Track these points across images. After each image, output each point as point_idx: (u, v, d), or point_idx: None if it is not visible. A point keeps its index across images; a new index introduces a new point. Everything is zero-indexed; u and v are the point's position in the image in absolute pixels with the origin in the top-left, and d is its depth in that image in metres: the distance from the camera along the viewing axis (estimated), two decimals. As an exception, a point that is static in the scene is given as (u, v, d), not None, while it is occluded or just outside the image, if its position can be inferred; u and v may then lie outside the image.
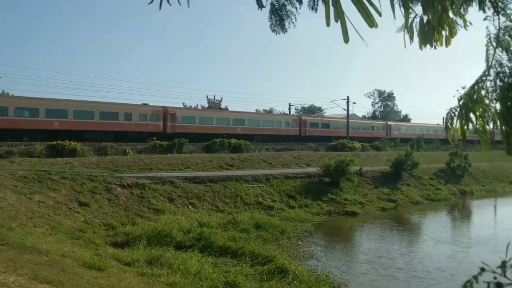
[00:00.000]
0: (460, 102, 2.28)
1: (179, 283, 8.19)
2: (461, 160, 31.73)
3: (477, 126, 2.26)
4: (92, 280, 6.85)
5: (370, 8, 1.93)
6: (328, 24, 1.95)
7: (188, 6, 2.65)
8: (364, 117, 77.64)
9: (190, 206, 17.17)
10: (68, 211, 13.62)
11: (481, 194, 29.72)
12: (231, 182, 20.05)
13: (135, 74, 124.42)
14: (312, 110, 77.72)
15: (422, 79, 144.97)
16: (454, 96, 2.33)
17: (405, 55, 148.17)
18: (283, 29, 3.02)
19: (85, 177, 16.62)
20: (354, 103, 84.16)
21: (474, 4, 2.83)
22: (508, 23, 2.72)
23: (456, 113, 2.29)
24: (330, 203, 20.76)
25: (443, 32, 2.74)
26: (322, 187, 22.51)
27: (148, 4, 2.60)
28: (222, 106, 45.22)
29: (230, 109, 45.05)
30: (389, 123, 58.64)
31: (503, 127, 2.23)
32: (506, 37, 2.72)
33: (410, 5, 2.65)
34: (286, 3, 2.94)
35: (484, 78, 2.43)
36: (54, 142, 23.82)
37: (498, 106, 2.32)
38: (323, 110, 72.56)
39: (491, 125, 2.37)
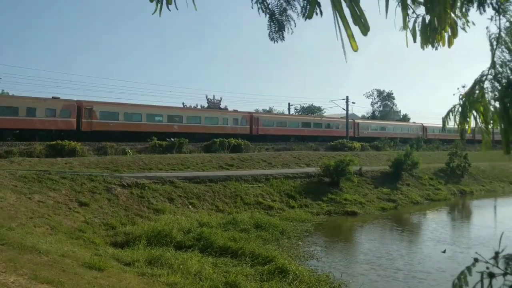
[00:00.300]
0: (461, 101, 2.28)
1: (179, 283, 8.17)
2: (461, 160, 31.75)
3: (479, 125, 2.26)
4: (92, 280, 6.83)
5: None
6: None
7: (195, 9, 2.64)
8: (363, 117, 77.51)
9: (190, 206, 17.16)
10: (68, 211, 13.60)
11: (481, 194, 29.72)
12: (231, 182, 20.04)
13: (135, 74, 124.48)
14: (312, 109, 77.63)
15: (422, 79, 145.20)
16: (454, 95, 2.33)
17: (405, 55, 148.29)
18: (281, 37, 3.00)
19: (85, 177, 16.61)
20: (353, 103, 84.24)
21: (475, 5, 2.82)
22: (508, 24, 2.72)
23: (457, 111, 2.29)
24: (330, 203, 20.76)
25: (445, 33, 2.74)
26: (322, 187, 22.51)
27: (153, 13, 2.61)
28: (222, 106, 45.12)
29: (229, 108, 44.83)
30: (357, 121, 54.54)
31: (502, 126, 2.23)
32: (507, 37, 2.72)
33: (411, 5, 2.65)
34: (287, 8, 2.93)
35: (484, 77, 2.43)
36: (54, 142, 23.86)
37: (497, 105, 2.32)
38: (322, 110, 72.61)
39: (490, 124, 2.37)
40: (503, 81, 2.33)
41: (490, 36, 2.48)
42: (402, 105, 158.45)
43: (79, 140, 26.02)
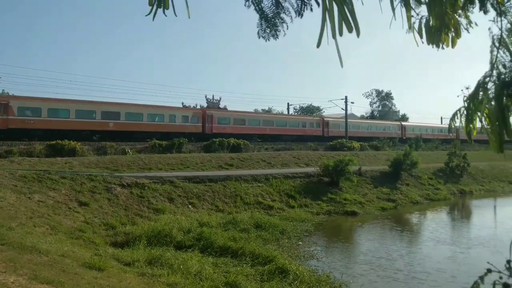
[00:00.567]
0: (465, 103, 2.28)
1: (180, 283, 8.16)
2: (460, 160, 31.77)
3: (485, 126, 2.26)
4: (92, 280, 6.82)
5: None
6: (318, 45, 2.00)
7: (189, 17, 2.62)
8: (362, 117, 77.48)
9: (190, 206, 17.15)
10: (68, 211, 13.58)
11: (481, 194, 29.73)
12: (230, 181, 20.03)
13: (135, 74, 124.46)
14: (311, 109, 77.67)
15: (422, 79, 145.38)
16: (458, 97, 2.33)
17: (404, 55, 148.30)
18: (275, 35, 2.99)
19: (84, 176, 16.59)
20: (352, 102, 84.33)
21: (477, 6, 2.83)
22: (509, 25, 2.72)
23: (463, 113, 2.29)
24: (329, 203, 20.76)
25: (449, 33, 2.74)
26: (322, 186, 22.51)
27: (146, 15, 2.58)
28: (221, 105, 45.11)
29: (229, 108, 44.75)
30: (326, 119, 50.90)
31: (496, 126, 2.24)
32: (508, 39, 2.72)
33: (413, 7, 2.65)
34: (280, 11, 2.92)
35: (487, 79, 2.43)
36: (54, 142, 23.85)
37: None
38: (321, 110, 72.63)
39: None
40: (498, 81, 2.34)
41: (493, 38, 2.48)
42: (401, 105, 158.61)
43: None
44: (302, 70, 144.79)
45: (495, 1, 2.64)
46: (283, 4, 2.83)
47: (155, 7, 2.63)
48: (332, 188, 22.43)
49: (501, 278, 1.83)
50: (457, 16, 2.69)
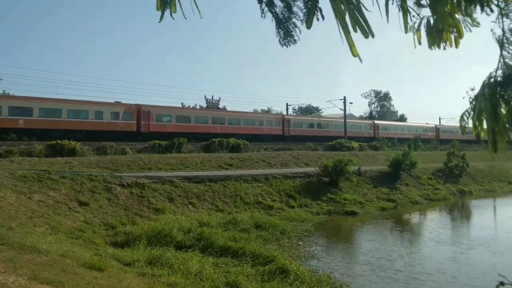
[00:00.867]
0: (472, 104, 2.28)
1: (180, 283, 8.14)
2: (459, 160, 31.82)
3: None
4: (92, 280, 6.80)
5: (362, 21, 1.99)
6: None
7: (201, 17, 2.65)
8: (361, 117, 77.45)
9: (190, 206, 17.14)
10: (68, 211, 13.57)
11: (480, 194, 29.76)
12: (230, 181, 20.02)
13: (135, 74, 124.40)
14: (310, 110, 77.67)
15: (422, 79, 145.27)
16: (463, 98, 2.32)
17: (404, 55, 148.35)
18: (293, 41, 3.01)
19: (84, 176, 16.58)
20: (351, 103, 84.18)
21: (478, 6, 2.83)
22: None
23: (470, 114, 2.29)
24: (329, 203, 20.76)
25: (451, 34, 2.74)
26: (322, 186, 22.51)
27: (159, 22, 2.63)
28: (220, 106, 45.05)
29: (228, 109, 44.72)
30: (287, 117, 47.29)
31: (490, 125, 2.25)
32: None
33: (413, 8, 2.65)
34: (291, 16, 2.94)
35: (492, 79, 2.43)
36: (54, 142, 23.86)
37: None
38: (320, 110, 72.63)
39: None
40: (491, 80, 2.34)
41: (499, 38, 2.48)
42: (400, 106, 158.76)
43: None
44: (301, 71, 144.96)
45: (499, 1, 2.64)
46: (293, 9, 2.86)
47: (164, 12, 2.65)
48: (331, 188, 22.43)
49: None
50: (458, 16, 2.69)
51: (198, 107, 46.47)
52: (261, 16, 2.87)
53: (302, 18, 2.78)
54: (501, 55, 2.58)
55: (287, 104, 70.08)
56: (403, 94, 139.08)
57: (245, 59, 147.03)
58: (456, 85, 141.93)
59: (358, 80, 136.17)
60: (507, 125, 2.18)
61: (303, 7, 2.75)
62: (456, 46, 2.67)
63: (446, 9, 2.51)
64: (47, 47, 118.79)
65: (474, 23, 2.74)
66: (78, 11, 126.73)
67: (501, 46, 2.62)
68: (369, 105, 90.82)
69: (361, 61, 2.08)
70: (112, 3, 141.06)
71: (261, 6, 2.83)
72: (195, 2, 2.56)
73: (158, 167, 21.59)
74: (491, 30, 2.68)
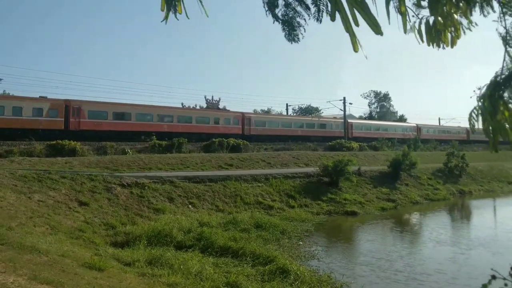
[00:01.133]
0: (479, 103, 2.29)
1: (180, 283, 8.13)
2: (459, 160, 31.83)
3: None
4: (92, 280, 6.80)
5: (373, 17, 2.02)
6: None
7: (207, 16, 2.67)
8: (360, 117, 77.40)
9: (190, 206, 17.14)
10: (68, 211, 13.57)
11: (480, 194, 29.76)
12: (230, 181, 20.03)
13: (135, 74, 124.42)
14: (310, 110, 77.67)
15: (422, 79, 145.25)
16: (471, 98, 2.33)
17: (403, 55, 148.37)
18: (297, 38, 3.04)
19: (85, 176, 16.58)
20: (350, 103, 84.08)
21: (477, 7, 2.83)
22: None
23: (478, 113, 2.30)
24: (329, 203, 20.77)
25: (449, 34, 2.75)
26: (322, 186, 22.52)
27: (162, 21, 2.64)
28: (221, 106, 45.04)
29: (228, 109, 44.66)
30: (247, 115, 43.15)
31: (490, 125, 2.26)
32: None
33: (412, 8, 2.65)
34: (295, 15, 2.97)
35: (498, 78, 2.43)
36: (54, 142, 23.87)
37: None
38: (320, 111, 72.64)
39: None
40: (491, 80, 2.35)
41: (504, 35, 2.49)
42: (400, 106, 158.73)
43: None
44: (302, 71, 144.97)
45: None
46: (296, 9, 2.89)
47: (169, 13, 2.65)
48: (332, 188, 22.43)
49: (506, 285, 1.80)
50: (457, 17, 2.70)
51: (198, 107, 46.31)
52: (266, 15, 2.89)
53: (313, 13, 2.81)
54: (506, 53, 2.58)
55: (287, 104, 70.18)
56: (403, 94, 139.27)
57: (246, 59, 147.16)
58: (456, 85, 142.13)
59: (358, 81, 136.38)
60: (507, 125, 2.18)
61: (311, 5, 2.77)
62: (455, 45, 2.68)
63: (445, 10, 2.52)
64: (47, 47, 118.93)
65: (472, 24, 2.75)
66: (78, 11, 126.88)
67: (506, 44, 2.63)
68: (369, 106, 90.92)
69: (366, 56, 2.10)
70: (112, 3, 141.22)
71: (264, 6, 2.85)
72: (201, 2, 2.57)
73: (158, 167, 21.60)
74: (496, 29, 2.69)
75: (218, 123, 39.71)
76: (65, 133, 29.29)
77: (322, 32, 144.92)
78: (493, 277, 1.84)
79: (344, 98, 52.50)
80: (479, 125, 2.28)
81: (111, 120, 33.03)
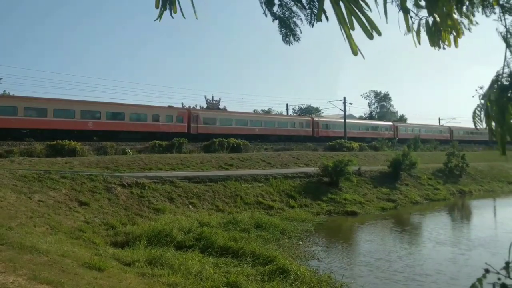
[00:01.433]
0: (481, 102, 2.29)
1: (180, 283, 8.13)
2: (459, 160, 31.83)
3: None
4: (92, 280, 6.80)
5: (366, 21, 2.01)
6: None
7: (196, 18, 2.65)
8: (360, 117, 77.40)
9: (190, 206, 17.14)
10: (68, 211, 13.57)
11: (480, 194, 29.75)
12: (230, 181, 20.03)
13: (135, 75, 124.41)
14: (310, 110, 77.69)
15: (422, 79, 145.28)
16: (473, 97, 2.33)
17: (403, 55, 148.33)
18: (295, 38, 3.03)
19: (85, 176, 16.58)
20: (350, 104, 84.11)
21: (478, 6, 2.82)
22: None
23: (482, 111, 2.30)
24: (330, 203, 20.76)
25: (450, 34, 2.75)
26: (322, 186, 22.51)
27: (155, 20, 2.62)
28: (221, 106, 45.01)
29: (229, 109, 44.60)
30: (195, 112, 38.82)
31: (498, 129, 2.25)
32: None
33: (412, 9, 2.65)
34: (291, 15, 2.96)
35: (500, 77, 2.43)
36: (54, 142, 23.87)
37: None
38: (320, 111, 72.68)
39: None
40: (498, 83, 2.34)
41: (506, 36, 2.49)
42: (400, 106, 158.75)
43: None
44: (302, 71, 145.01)
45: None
46: (293, 9, 2.88)
47: (162, 9, 2.64)
48: (332, 188, 22.43)
49: (499, 279, 1.82)
50: (457, 17, 2.70)
51: (198, 107, 46.15)
52: (264, 15, 2.88)
53: (305, 16, 2.80)
54: (507, 52, 2.58)
55: (287, 104, 70.20)
56: (403, 94, 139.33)
57: (246, 59, 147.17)
58: (456, 85, 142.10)
59: (359, 81, 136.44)
60: None
61: (306, 6, 2.76)
62: (456, 46, 2.67)
63: (444, 10, 2.51)
64: (47, 47, 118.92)
65: (473, 23, 2.74)
66: (78, 11, 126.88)
67: (506, 43, 2.62)
68: (369, 106, 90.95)
69: (363, 56, 2.09)
70: (112, 3, 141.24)
71: (262, 6, 2.84)
72: (192, 3, 2.56)
73: (159, 167, 21.60)
74: (496, 28, 2.68)
75: (158, 121, 35.42)
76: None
77: (322, 32, 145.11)
78: (487, 271, 1.87)
79: (344, 98, 52.56)
80: (482, 124, 2.28)
81: (22, 117, 28.71)
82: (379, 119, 75.72)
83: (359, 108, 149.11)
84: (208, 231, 12.80)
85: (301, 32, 2.91)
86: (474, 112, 2.32)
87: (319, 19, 2.25)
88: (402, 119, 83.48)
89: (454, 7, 2.58)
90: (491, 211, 25.41)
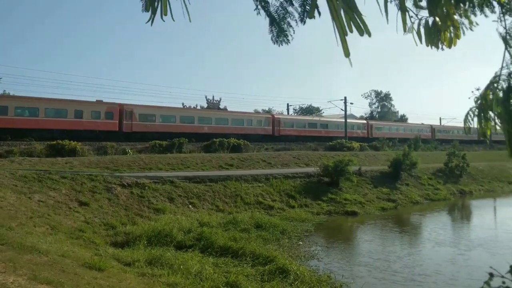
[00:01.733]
0: (477, 103, 2.29)
1: (180, 283, 8.14)
2: (459, 160, 31.84)
3: (498, 125, 2.26)
4: (92, 280, 6.80)
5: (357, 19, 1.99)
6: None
7: (190, 21, 2.66)
8: (361, 117, 77.34)
9: (190, 206, 17.14)
10: (68, 211, 13.58)
11: (480, 194, 29.74)
12: (231, 181, 20.03)
13: (135, 75, 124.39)
14: (311, 110, 77.66)
15: (422, 79, 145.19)
16: (469, 98, 2.33)
17: (403, 55, 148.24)
18: (286, 40, 3.03)
19: (85, 176, 16.59)
20: (351, 103, 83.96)
21: (477, 8, 2.83)
22: None
23: (475, 113, 2.30)
24: (330, 203, 20.76)
25: (449, 34, 2.75)
26: (322, 186, 22.51)
27: (146, 22, 2.63)
28: (221, 106, 44.99)
29: (229, 109, 44.55)
30: (128, 108, 34.50)
31: (506, 130, 2.24)
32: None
33: (411, 9, 2.66)
34: (286, 15, 2.96)
35: (497, 78, 2.43)
36: (54, 142, 23.89)
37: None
38: (321, 110, 72.63)
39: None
40: (504, 85, 2.34)
41: (505, 37, 2.49)
42: (401, 106, 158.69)
43: None
44: (303, 71, 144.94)
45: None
46: (288, 9, 2.87)
47: (152, 15, 2.65)
48: (332, 188, 22.43)
49: (503, 283, 1.81)
50: (456, 17, 2.70)
51: (199, 107, 46.10)
52: (256, 13, 2.88)
53: (297, 17, 2.79)
54: (505, 53, 2.58)
55: (287, 104, 70.20)
56: (403, 94, 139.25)
57: (246, 59, 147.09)
58: (456, 85, 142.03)
59: (359, 81, 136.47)
60: None
61: (298, 7, 2.76)
62: (450, 46, 2.69)
63: (444, 10, 2.52)
64: (47, 47, 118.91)
65: (473, 24, 2.75)
66: (78, 11, 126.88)
67: (506, 43, 2.63)
68: (369, 106, 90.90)
69: (351, 65, 2.08)
70: (112, 3, 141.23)
71: (255, 3, 2.84)
72: (185, 5, 2.56)
73: (159, 167, 21.60)
74: (496, 29, 2.69)
75: (81, 117, 31.48)
76: None
77: (322, 32, 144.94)
78: (491, 275, 1.86)
79: (345, 98, 52.55)
80: (474, 126, 2.28)
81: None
82: (380, 119, 75.65)
83: (360, 108, 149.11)
84: (208, 231, 12.80)
85: (294, 33, 2.92)
86: (466, 116, 2.32)
87: (311, 16, 2.25)
88: (403, 118, 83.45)
89: (454, 7, 2.58)
90: (491, 211, 25.38)
